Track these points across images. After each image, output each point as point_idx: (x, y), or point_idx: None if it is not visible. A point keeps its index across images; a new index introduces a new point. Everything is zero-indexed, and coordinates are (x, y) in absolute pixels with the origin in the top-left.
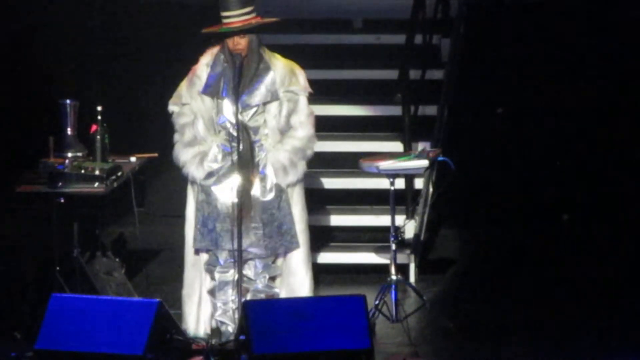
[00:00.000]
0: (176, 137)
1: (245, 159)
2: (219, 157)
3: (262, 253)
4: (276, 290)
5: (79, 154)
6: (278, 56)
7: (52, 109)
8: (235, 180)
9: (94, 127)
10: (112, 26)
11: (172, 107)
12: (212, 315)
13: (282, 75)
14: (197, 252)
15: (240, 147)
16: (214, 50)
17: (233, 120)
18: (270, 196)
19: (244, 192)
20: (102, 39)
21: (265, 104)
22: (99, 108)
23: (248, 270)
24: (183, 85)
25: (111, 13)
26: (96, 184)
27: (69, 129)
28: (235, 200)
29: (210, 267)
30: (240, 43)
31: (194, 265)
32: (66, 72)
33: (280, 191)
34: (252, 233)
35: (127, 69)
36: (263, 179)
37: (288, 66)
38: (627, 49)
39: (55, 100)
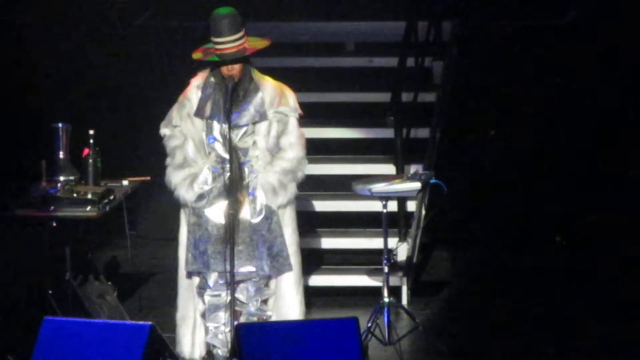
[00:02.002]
0: (168, 160)
1: (234, 180)
2: (209, 179)
3: (253, 275)
4: (269, 313)
5: (71, 178)
6: (268, 78)
7: (44, 132)
8: (225, 202)
9: (86, 151)
10: (105, 49)
11: (164, 130)
12: (205, 340)
13: (272, 95)
14: (189, 275)
15: (231, 168)
16: (205, 73)
17: (221, 140)
18: (259, 218)
19: (234, 213)
20: (95, 62)
21: (254, 123)
22: (91, 132)
23: (240, 294)
24: (174, 108)
25: (104, 35)
26: (88, 208)
27: (61, 152)
28: (223, 222)
29: (200, 291)
30: (234, 68)
31: (187, 288)
32: (59, 96)
33: (270, 213)
34: (244, 254)
35: (119, 92)
36: (253, 200)
37: (278, 87)
38: (620, 73)
39: (48, 124)
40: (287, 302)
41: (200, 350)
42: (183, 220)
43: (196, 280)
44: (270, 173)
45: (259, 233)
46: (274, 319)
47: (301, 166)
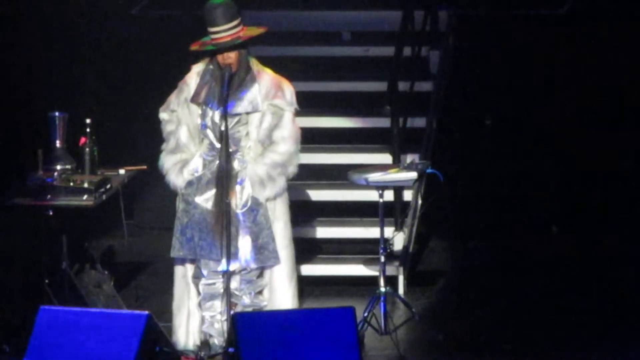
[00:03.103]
0: (163, 145)
1: (223, 168)
2: (200, 166)
3: (240, 267)
4: (264, 303)
5: (68, 167)
6: (267, 69)
7: (40, 121)
8: (214, 190)
9: (82, 140)
10: (101, 38)
11: (162, 115)
12: (201, 328)
13: (268, 87)
14: (182, 263)
15: (220, 156)
16: (207, 59)
17: (212, 127)
18: (244, 209)
19: (223, 202)
20: (92, 51)
21: (247, 114)
22: (88, 121)
23: (234, 284)
24: (173, 93)
25: (101, 25)
26: (85, 197)
27: (58, 141)
28: (212, 209)
29: (195, 280)
30: (230, 57)
31: (182, 277)
32: (55, 85)
33: (257, 205)
34: (233, 244)
35: (116, 82)
36: (240, 190)
37: (275, 80)
38: (614, 63)
39: (44, 113)
40: (279, 296)
41: (194, 339)
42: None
43: (190, 269)
44: (259, 165)
45: (244, 224)
46: (268, 309)
47: (293, 161)
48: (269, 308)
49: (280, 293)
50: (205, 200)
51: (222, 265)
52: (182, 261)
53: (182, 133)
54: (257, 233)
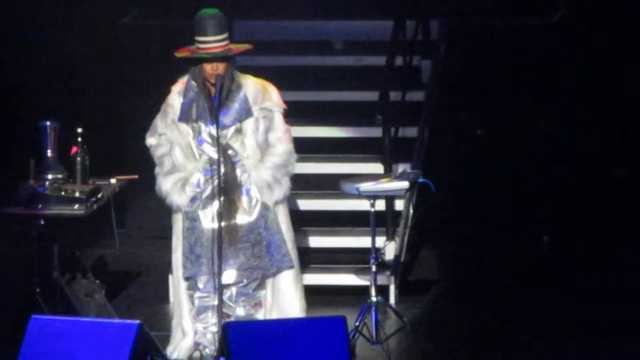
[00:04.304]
0: (157, 169)
1: (228, 180)
2: (202, 181)
3: (246, 277)
4: (258, 316)
5: (59, 176)
6: (248, 76)
7: (32, 130)
8: (217, 203)
9: (74, 149)
10: (93, 47)
11: (149, 140)
12: (191, 348)
13: (254, 92)
14: (186, 279)
15: (222, 169)
16: (184, 79)
17: (210, 141)
18: (254, 216)
19: (228, 215)
20: (83, 59)
21: (241, 122)
22: (79, 130)
23: (228, 298)
24: (158, 117)
25: (92, 33)
26: (76, 206)
27: (49, 150)
28: (216, 224)
29: (190, 292)
30: (219, 68)
31: (184, 296)
32: (46, 94)
33: (265, 210)
34: (241, 253)
35: (107, 91)
36: (248, 199)
37: (260, 84)
38: (606, 71)
39: (36, 122)
40: (288, 298)
41: (178, 354)
42: (175, 226)
43: (183, 285)
44: (262, 170)
45: (256, 231)
46: (274, 315)
47: (291, 159)
48: (277, 311)
49: (289, 295)
50: (207, 216)
51: (227, 278)
52: (185, 278)
53: (177, 153)
54: (270, 238)
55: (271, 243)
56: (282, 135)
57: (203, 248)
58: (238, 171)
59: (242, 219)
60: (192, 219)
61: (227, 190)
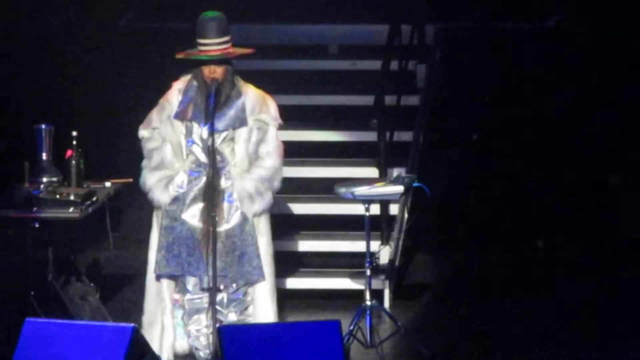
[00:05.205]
0: (144, 162)
1: (211, 184)
2: (185, 182)
3: (226, 282)
4: (250, 319)
5: (54, 179)
6: (251, 85)
7: (27, 133)
8: (201, 206)
9: (69, 152)
10: (87, 50)
11: (142, 132)
12: (174, 344)
13: (253, 102)
14: (158, 279)
15: (208, 172)
16: (187, 77)
17: (200, 144)
18: (232, 224)
19: (210, 217)
20: (78, 62)
21: (234, 129)
22: (74, 133)
23: (219, 303)
24: (154, 111)
25: (87, 37)
26: (71, 209)
27: (44, 154)
28: (200, 225)
29: (179, 295)
30: (217, 71)
31: (157, 294)
32: (41, 97)
33: (244, 220)
34: (218, 258)
35: (103, 94)
36: (229, 206)
37: (260, 95)
38: (601, 75)
39: (31, 125)
40: (261, 312)
41: (168, 355)
42: (155, 223)
43: (167, 285)
44: (247, 180)
45: (231, 239)
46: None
47: (278, 175)
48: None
49: (262, 309)
50: (192, 216)
51: (209, 281)
52: (158, 277)
53: (167, 150)
54: (243, 249)
55: (244, 254)
56: (272, 150)
57: (185, 248)
58: (222, 178)
59: (219, 225)
60: (172, 218)
61: (210, 193)
